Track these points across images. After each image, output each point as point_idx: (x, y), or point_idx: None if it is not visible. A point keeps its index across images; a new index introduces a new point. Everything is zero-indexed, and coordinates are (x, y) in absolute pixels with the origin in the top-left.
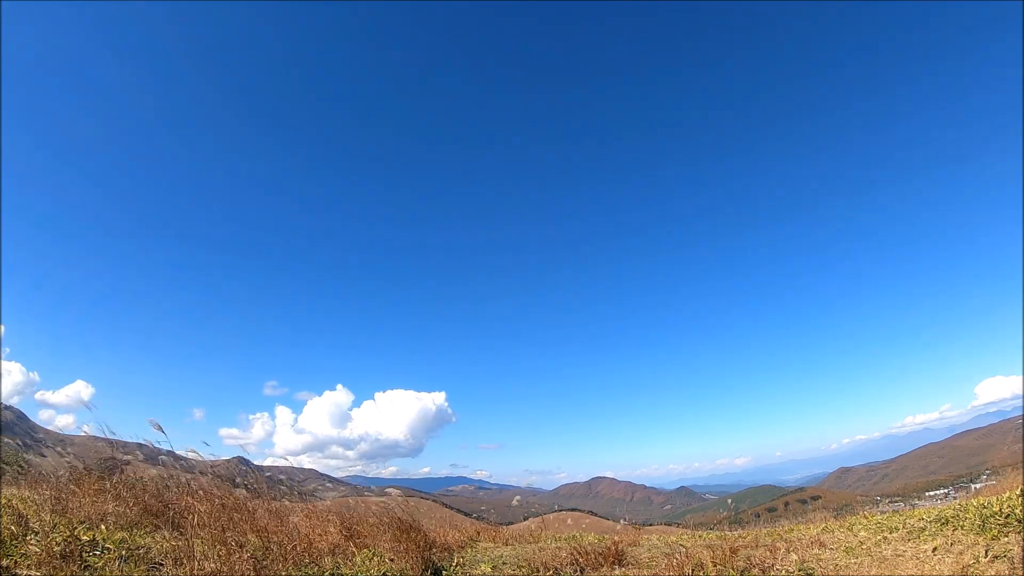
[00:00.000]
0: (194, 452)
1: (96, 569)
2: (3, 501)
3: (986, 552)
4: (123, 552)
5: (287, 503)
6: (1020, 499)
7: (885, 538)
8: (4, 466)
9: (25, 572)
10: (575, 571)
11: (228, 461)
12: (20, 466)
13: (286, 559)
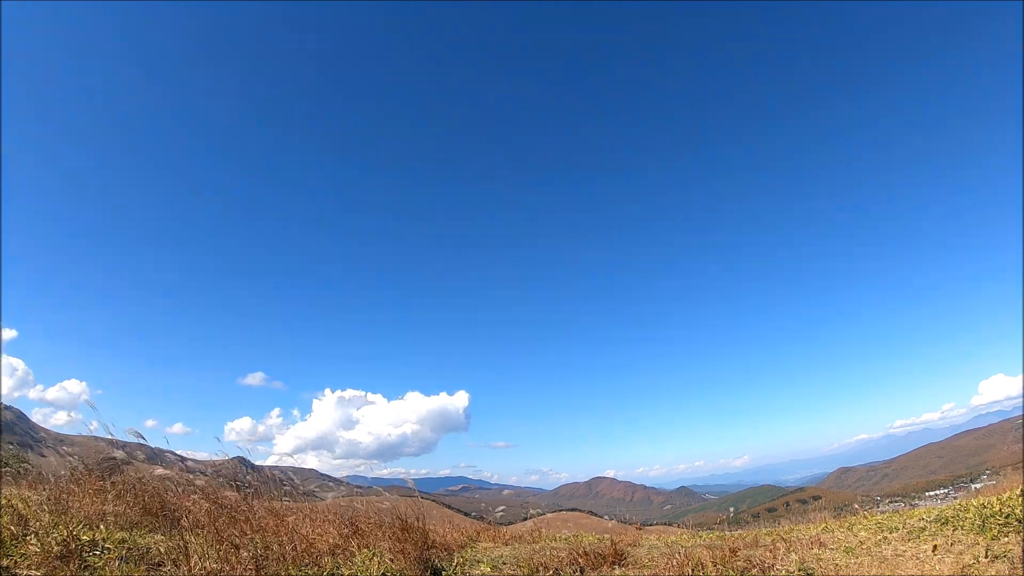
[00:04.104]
0: (195, 452)
1: (96, 569)
2: (3, 501)
3: (986, 552)
4: (123, 552)
5: (288, 503)
6: (1020, 499)
7: (885, 538)
8: (4, 466)
9: (25, 572)
10: (575, 571)
11: (229, 461)
12: (20, 466)
13: (286, 559)
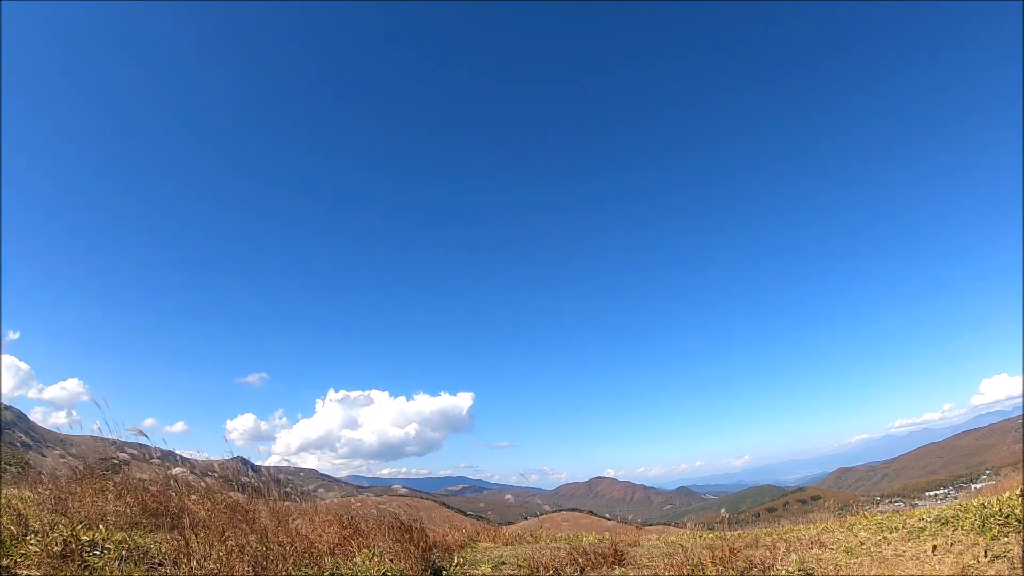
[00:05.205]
0: (194, 452)
1: (96, 569)
2: (3, 501)
3: (986, 552)
4: (123, 552)
5: (288, 503)
6: (1020, 499)
7: (885, 538)
8: (5, 466)
9: (25, 572)
10: (575, 571)
11: (229, 461)
12: (21, 466)
13: (286, 559)
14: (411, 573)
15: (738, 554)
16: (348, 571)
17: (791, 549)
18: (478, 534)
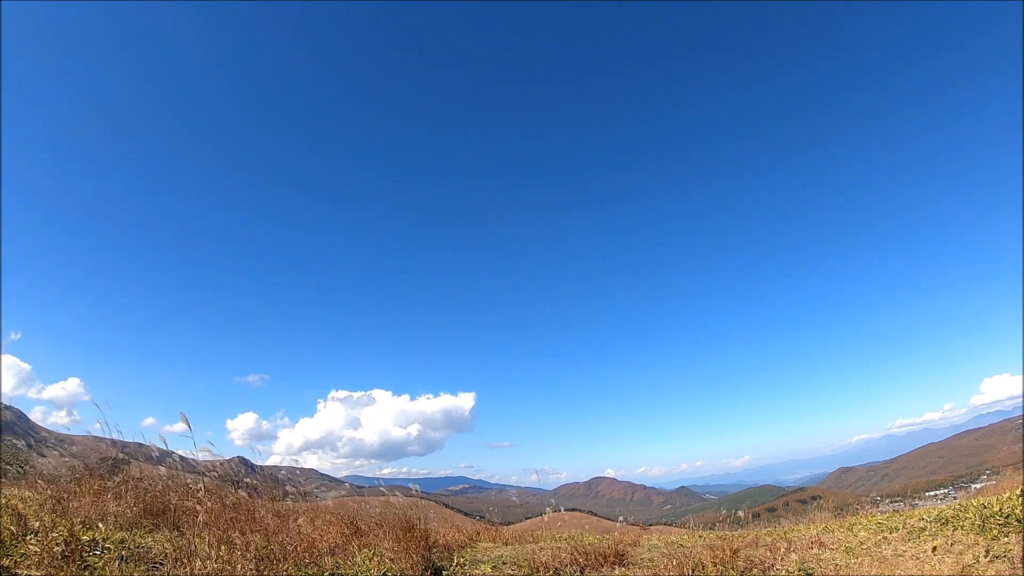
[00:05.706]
0: (194, 452)
1: (96, 569)
2: (3, 501)
3: (986, 552)
4: (123, 552)
5: (288, 503)
6: (1020, 499)
7: (885, 538)
8: (5, 466)
9: (25, 572)
10: (575, 571)
11: (229, 461)
12: (21, 466)
13: (287, 559)
14: (411, 573)
15: (739, 554)
16: (348, 571)
17: (791, 549)
18: (478, 534)
